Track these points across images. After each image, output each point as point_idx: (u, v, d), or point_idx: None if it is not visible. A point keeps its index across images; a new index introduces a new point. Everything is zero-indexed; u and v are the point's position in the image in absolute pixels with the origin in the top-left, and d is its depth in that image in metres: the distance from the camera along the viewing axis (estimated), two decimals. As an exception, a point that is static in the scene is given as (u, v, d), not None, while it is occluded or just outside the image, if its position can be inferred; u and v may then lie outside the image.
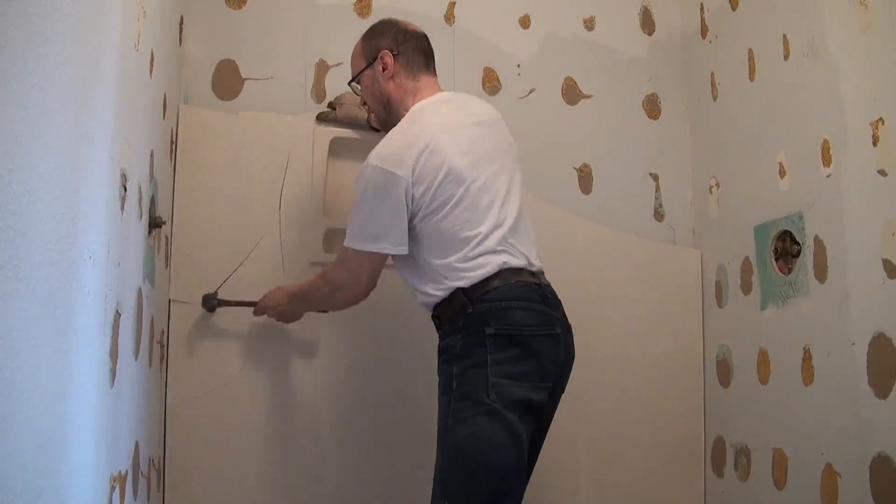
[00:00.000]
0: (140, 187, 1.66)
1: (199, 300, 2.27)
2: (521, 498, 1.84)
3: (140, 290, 1.68)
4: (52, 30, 0.96)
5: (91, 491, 1.24)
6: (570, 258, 2.55)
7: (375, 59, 2.01)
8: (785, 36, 2.18)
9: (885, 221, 1.80)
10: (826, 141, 2.01)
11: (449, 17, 2.60)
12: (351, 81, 2.11)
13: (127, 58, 1.47)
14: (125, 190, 1.46)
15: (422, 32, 2.07)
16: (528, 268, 1.88)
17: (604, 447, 2.50)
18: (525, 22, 2.67)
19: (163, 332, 2.16)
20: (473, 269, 1.83)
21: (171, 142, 2.19)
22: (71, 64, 1.06)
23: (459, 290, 1.82)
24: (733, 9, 2.46)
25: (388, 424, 2.38)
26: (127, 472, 1.58)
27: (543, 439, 1.95)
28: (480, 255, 1.83)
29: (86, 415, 1.20)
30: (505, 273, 1.83)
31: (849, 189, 1.93)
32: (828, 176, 2.01)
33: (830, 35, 2.01)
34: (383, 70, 2.00)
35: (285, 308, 2.16)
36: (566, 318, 1.93)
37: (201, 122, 2.35)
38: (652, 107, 2.72)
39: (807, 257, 2.08)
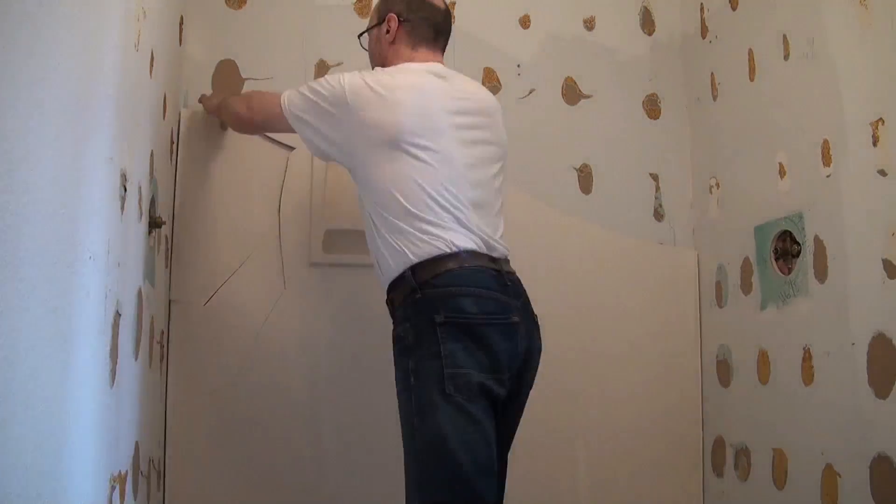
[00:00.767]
0: (140, 187, 1.66)
1: (199, 300, 2.27)
2: (498, 490, 1.77)
3: (140, 290, 1.68)
4: (52, 30, 0.96)
5: (91, 491, 1.24)
6: (570, 258, 2.55)
7: (384, 20, 1.99)
8: (785, 36, 2.18)
9: (885, 221, 1.80)
10: (826, 141, 2.01)
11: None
12: (360, 34, 2.09)
13: (127, 58, 1.47)
14: (125, 190, 1.46)
15: (442, 8, 2.02)
16: (489, 252, 1.81)
17: (603, 447, 2.50)
18: (525, 22, 2.67)
19: (163, 332, 2.16)
20: (427, 243, 1.76)
21: (171, 142, 2.19)
22: (71, 64, 1.06)
23: (409, 269, 1.76)
24: (733, 9, 2.46)
25: (388, 424, 2.37)
26: (127, 472, 1.58)
27: (511, 439, 1.87)
28: (438, 232, 1.77)
29: (86, 415, 1.20)
30: (461, 255, 1.76)
31: (849, 189, 1.93)
32: (828, 176, 2.00)
33: (830, 35, 2.01)
34: (386, 32, 1.98)
35: (211, 100, 2.24)
36: (530, 309, 1.85)
37: (201, 122, 2.35)
38: (652, 107, 2.72)
39: (807, 257, 2.08)
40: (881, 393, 1.78)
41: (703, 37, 2.65)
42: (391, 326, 2.32)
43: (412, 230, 1.78)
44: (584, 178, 2.64)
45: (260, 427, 2.30)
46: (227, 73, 2.42)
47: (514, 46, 2.64)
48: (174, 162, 2.27)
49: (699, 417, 2.56)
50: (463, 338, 1.71)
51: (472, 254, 1.78)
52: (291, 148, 2.40)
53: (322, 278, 2.38)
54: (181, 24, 2.34)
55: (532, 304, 1.88)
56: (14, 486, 0.87)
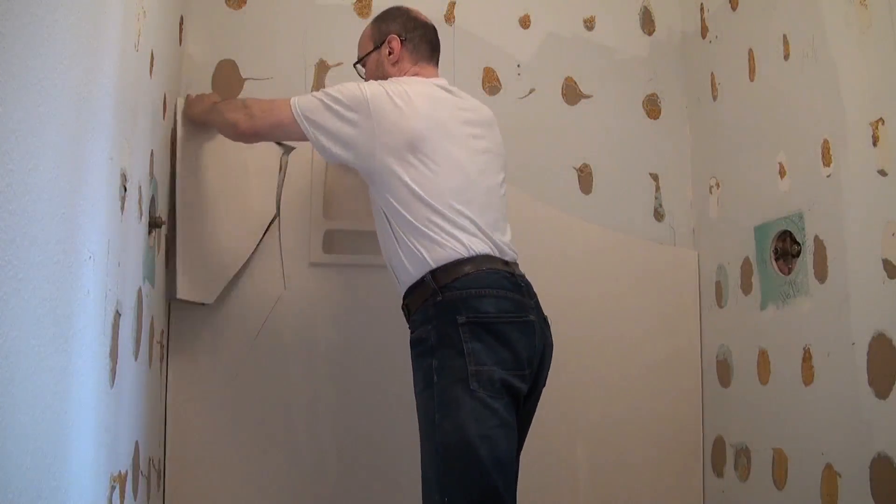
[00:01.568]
0: (140, 187, 1.66)
1: (200, 300, 2.27)
2: (515, 487, 1.81)
3: (140, 290, 1.68)
4: (52, 30, 0.96)
5: (91, 491, 1.24)
6: (570, 258, 2.55)
7: (383, 42, 2.05)
8: (785, 36, 2.18)
9: (885, 221, 1.80)
10: (826, 141, 2.01)
11: (449, 17, 2.60)
12: (356, 63, 2.14)
13: (127, 58, 1.47)
14: (125, 190, 1.46)
15: (431, 24, 2.11)
16: (502, 256, 1.88)
17: (603, 447, 2.50)
18: (525, 22, 2.67)
19: (163, 332, 2.16)
20: (445, 247, 1.81)
21: (171, 142, 2.19)
22: (71, 64, 1.06)
23: (430, 273, 1.81)
24: (733, 9, 2.46)
25: (389, 424, 2.38)
26: (127, 472, 1.58)
27: (525, 436, 1.91)
28: (455, 235, 1.83)
29: (86, 415, 1.20)
30: (477, 259, 1.82)
31: (849, 189, 1.93)
32: (828, 176, 2.00)
33: (830, 35, 2.01)
34: (389, 54, 2.05)
35: (196, 105, 2.17)
36: (541, 310, 1.91)
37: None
38: (652, 107, 2.72)
39: (807, 257, 2.08)
40: (881, 393, 1.78)
41: (703, 37, 2.65)
42: (391, 326, 2.33)
43: (433, 231, 1.83)
44: (584, 178, 2.64)
45: (260, 427, 2.30)
46: (227, 73, 2.42)
47: (514, 46, 2.64)
48: (174, 162, 2.27)
49: (699, 417, 2.57)
50: (484, 336, 1.77)
51: (486, 257, 1.84)
52: (291, 148, 2.40)
53: (322, 278, 2.38)
54: (181, 24, 2.34)
55: None
56: (14, 486, 0.87)
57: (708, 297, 2.59)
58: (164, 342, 2.20)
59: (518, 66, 2.64)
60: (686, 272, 2.64)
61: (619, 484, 2.49)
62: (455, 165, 1.89)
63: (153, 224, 1.84)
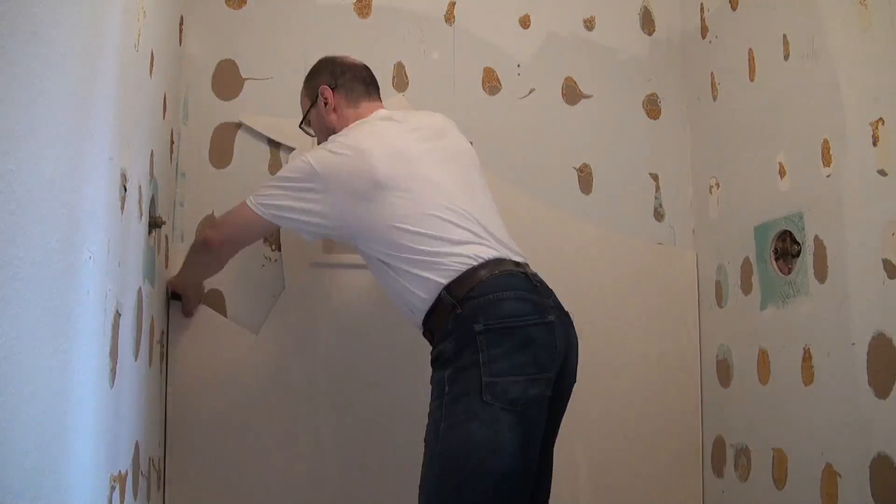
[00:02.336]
0: (140, 187, 1.66)
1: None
2: (528, 499, 1.79)
3: (140, 290, 1.68)
4: (52, 30, 0.96)
5: (91, 491, 1.24)
6: (570, 258, 2.55)
7: (317, 96, 2.08)
8: (785, 36, 2.18)
9: (885, 221, 1.80)
10: (826, 141, 2.01)
11: (449, 17, 2.60)
12: (301, 124, 2.16)
13: (127, 58, 1.47)
14: (125, 190, 1.46)
15: (360, 64, 2.14)
16: (511, 257, 1.86)
17: (603, 448, 2.50)
18: (525, 22, 2.67)
19: (163, 332, 2.16)
20: (453, 264, 1.80)
21: (171, 142, 2.19)
22: (71, 64, 1.06)
23: (444, 290, 1.79)
24: (733, 9, 2.46)
25: (389, 425, 2.38)
26: (127, 472, 1.58)
27: (555, 433, 1.90)
28: (458, 250, 1.81)
29: (86, 415, 1.20)
30: (489, 264, 1.81)
31: (849, 189, 1.93)
32: (828, 176, 2.00)
33: (830, 35, 2.01)
34: (325, 104, 2.08)
35: (174, 280, 2.20)
36: (561, 306, 1.88)
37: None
38: (652, 107, 2.72)
39: (807, 257, 2.08)
40: (881, 393, 1.78)
41: (703, 37, 2.65)
42: (391, 326, 2.33)
43: (434, 257, 1.81)
44: (584, 178, 2.64)
45: (260, 427, 2.30)
46: (227, 73, 2.42)
47: (514, 46, 2.64)
48: (174, 162, 2.28)
49: (699, 417, 2.57)
50: (503, 342, 1.74)
51: (497, 261, 1.82)
52: (291, 148, 2.40)
53: (322, 278, 2.38)
54: (181, 24, 2.34)
55: None
56: (14, 486, 0.87)
57: (708, 297, 2.59)
58: (164, 342, 2.20)
59: (518, 66, 2.64)
60: (686, 272, 2.64)
61: (618, 484, 2.49)
62: (428, 184, 1.88)
63: (153, 224, 1.84)
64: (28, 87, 0.88)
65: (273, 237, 2.37)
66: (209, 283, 2.31)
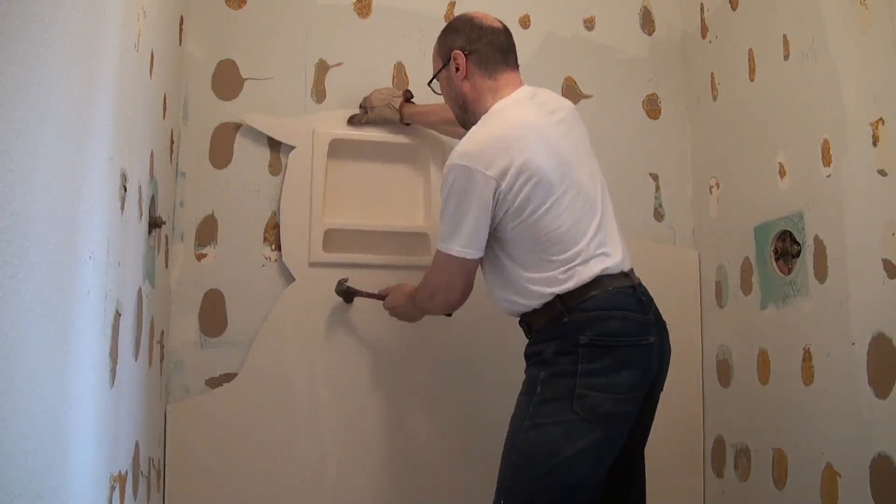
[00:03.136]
0: (140, 187, 1.66)
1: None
2: (634, 497, 1.84)
3: (140, 290, 1.68)
4: (52, 30, 0.96)
5: (91, 491, 1.24)
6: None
7: (449, 59, 1.96)
8: (785, 36, 2.18)
9: (885, 221, 1.80)
10: (826, 141, 2.01)
11: (449, 17, 2.59)
12: (430, 82, 2.06)
13: (127, 58, 1.47)
14: (125, 190, 1.46)
15: (499, 26, 1.98)
16: (623, 269, 1.84)
17: (604, 447, 2.50)
18: (525, 22, 2.67)
19: (163, 332, 2.16)
20: (571, 277, 1.78)
21: (171, 142, 2.19)
22: (71, 64, 1.06)
23: (557, 297, 1.78)
24: (733, 9, 2.46)
25: (389, 424, 2.38)
26: (127, 472, 1.58)
27: (645, 438, 1.92)
28: (581, 262, 1.78)
29: (86, 415, 1.20)
30: (603, 280, 1.78)
31: (849, 189, 1.93)
32: (828, 176, 2.01)
33: (830, 35, 2.01)
34: (457, 70, 1.94)
35: (402, 309, 2.16)
36: (660, 317, 1.87)
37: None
38: (652, 107, 2.72)
39: (807, 257, 2.08)
40: (881, 393, 1.78)
41: (703, 37, 2.65)
42: (391, 326, 2.33)
43: (557, 265, 1.78)
44: (584, 178, 2.64)
45: (260, 427, 2.30)
46: (227, 73, 2.42)
47: (514, 46, 2.64)
48: (174, 162, 2.28)
49: (699, 417, 2.57)
50: (603, 358, 1.74)
51: (611, 277, 1.80)
52: (291, 147, 2.40)
53: (322, 278, 2.38)
54: (181, 24, 2.34)
55: None
56: (14, 486, 0.87)
57: (708, 297, 2.59)
58: (164, 342, 2.20)
59: (518, 66, 2.63)
60: (686, 272, 2.64)
61: (619, 484, 2.49)
62: (575, 188, 1.81)
63: (153, 224, 1.84)
64: (28, 87, 0.88)
65: (273, 237, 2.37)
66: (209, 283, 2.31)
